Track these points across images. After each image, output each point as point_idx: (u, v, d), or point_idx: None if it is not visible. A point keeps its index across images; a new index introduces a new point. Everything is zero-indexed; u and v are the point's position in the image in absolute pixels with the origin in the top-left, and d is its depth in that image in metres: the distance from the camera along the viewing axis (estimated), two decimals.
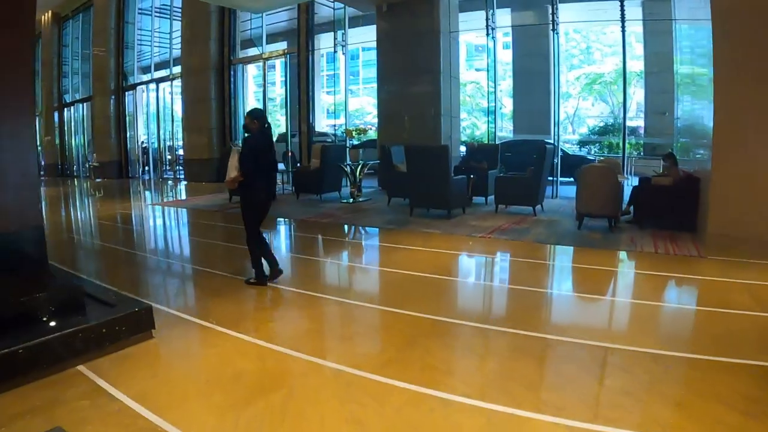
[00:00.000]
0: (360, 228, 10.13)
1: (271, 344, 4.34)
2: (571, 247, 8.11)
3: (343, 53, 17.39)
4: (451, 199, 10.47)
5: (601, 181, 9.04)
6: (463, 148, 16.92)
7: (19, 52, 4.82)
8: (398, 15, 15.35)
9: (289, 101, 19.22)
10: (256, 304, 5.59)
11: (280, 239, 9.92)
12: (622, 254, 7.66)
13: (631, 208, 9.95)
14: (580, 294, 5.98)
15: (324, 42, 20.18)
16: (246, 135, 6.03)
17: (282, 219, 11.30)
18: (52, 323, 4.27)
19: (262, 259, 6.13)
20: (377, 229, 9.83)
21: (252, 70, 23.56)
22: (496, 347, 4.28)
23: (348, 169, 13.30)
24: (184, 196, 17.33)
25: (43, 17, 31.76)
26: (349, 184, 13.45)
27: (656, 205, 9.30)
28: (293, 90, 18.77)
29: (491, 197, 11.89)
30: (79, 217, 14.13)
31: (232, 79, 20.55)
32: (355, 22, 18.39)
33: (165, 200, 16.32)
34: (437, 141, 14.41)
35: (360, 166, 13.24)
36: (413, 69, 15.12)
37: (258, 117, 5.98)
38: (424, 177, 10.44)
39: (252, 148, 5.84)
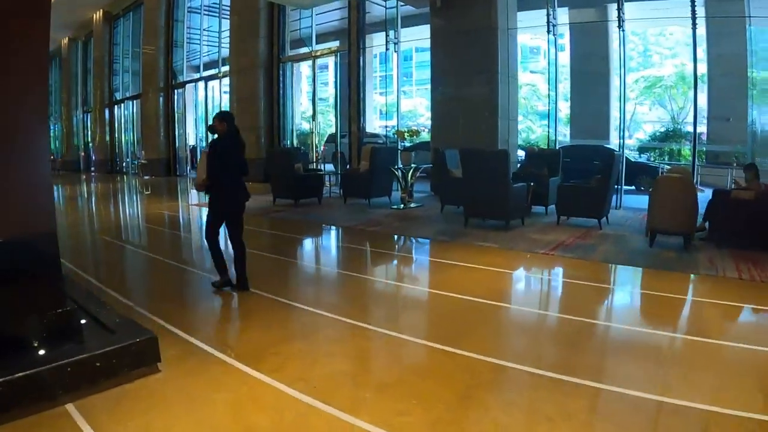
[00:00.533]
0: (410, 239, 9.31)
1: (293, 390, 3.57)
2: (644, 269, 7.10)
3: (396, 51, 16.66)
4: (510, 209, 9.57)
5: (679, 195, 8.03)
6: (521, 153, 15.99)
7: (34, 52, 4.54)
8: (453, 11, 14.49)
9: (339, 101, 18.53)
10: (285, 332, 4.84)
11: (325, 250, 9.30)
12: (703, 280, 6.61)
13: (707, 224, 8.85)
14: (663, 332, 4.91)
15: (376, 42, 19.41)
16: (214, 137, 5.92)
17: (327, 226, 10.66)
18: (41, 351, 3.66)
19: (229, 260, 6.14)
20: (429, 241, 9.01)
21: (305, 71, 23.04)
22: (569, 406, 3.36)
23: (399, 172, 12.51)
24: None
25: (94, 16, 32.53)
26: (399, 188, 12.64)
27: (736, 221, 8.21)
28: (344, 89, 18.11)
29: (551, 207, 10.98)
30: (119, 215, 13.81)
31: (281, 78, 20.02)
32: (408, 21, 17.66)
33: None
34: (494, 145, 13.53)
35: (411, 170, 12.43)
36: (469, 68, 14.23)
37: (226, 119, 5.88)
38: (481, 184, 9.56)
39: (219, 151, 5.80)
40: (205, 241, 6.19)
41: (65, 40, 39.06)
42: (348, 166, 17.34)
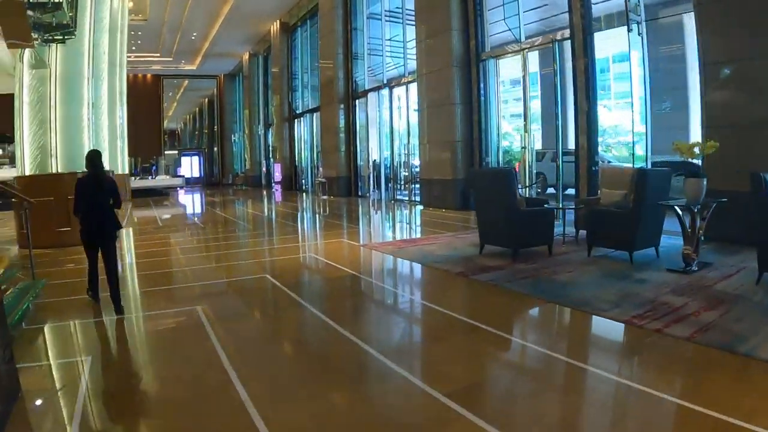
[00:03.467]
0: (747, 361, 4.32)
1: None
2: None
3: (639, 33, 12.26)
4: None
5: None
6: None
7: None
8: None
9: (560, 107, 14.24)
10: None
11: (590, 403, 3.98)
12: None
13: None
14: None
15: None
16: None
17: (571, 309, 6.04)
18: None
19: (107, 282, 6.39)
20: None
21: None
22: None
23: (680, 211, 7.94)
24: (416, 233, 13.25)
25: (272, 27, 32.46)
26: (683, 238, 8.04)
27: None
28: (563, 92, 13.94)
29: None
30: (248, 255, 10.76)
31: (481, 79, 16.20)
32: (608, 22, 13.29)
33: (387, 239, 12.26)
34: None
35: (700, 209, 7.87)
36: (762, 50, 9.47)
37: (89, 158, 6.55)
38: None
39: (77, 187, 6.42)
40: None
41: (246, 56, 39.03)
42: (571, 193, 13.22)
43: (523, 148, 14.80)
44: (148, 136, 42.33)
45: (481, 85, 16.26)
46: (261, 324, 6.30)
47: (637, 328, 5.31)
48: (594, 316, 5.74)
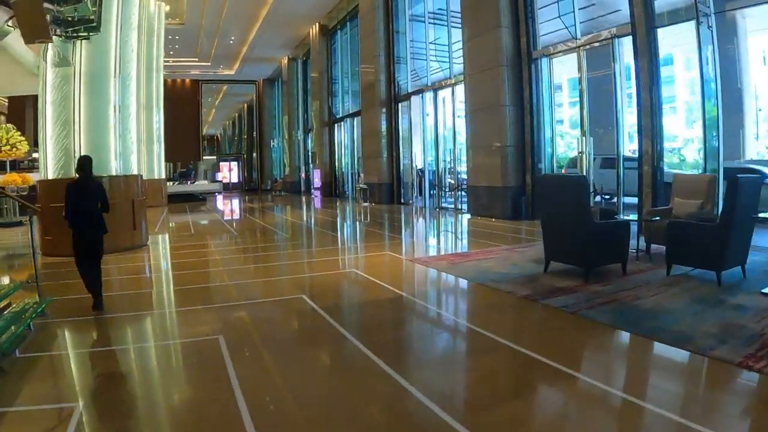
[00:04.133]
0: None
1: None
2: None
3: (710, 27, 11.13)
4: None
5: None
6: None
7: None
8: None
9: (621, 110, 12.99)
10: None
11: None
12: None
13: None
14: None
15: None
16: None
17: (666, 345, 4.91)
18: None
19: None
20: None
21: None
22: None
23: None
24: (466, 245, 12.19)
25: (311, 31, 31.94)
26: None
27: None
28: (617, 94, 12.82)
29: None
30: (284, 269, 9.79)
31: (533, 79, 15.10)
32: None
33: (435, 253, 11.15)
34: None
35: None
36: None
37: (79, 165, 6.75)
38: None
39: (67, 192, 6.54)
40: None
41: (285, 60, 38.51)
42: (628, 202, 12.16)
43: (580, 153, 13.63)
44: (186, 141, 42.27)
45: (534, 86, 15.18)
46: (294, 365, 4.86)
47: (757, 372, 4.22)
48: (703, 358, 4.62)
